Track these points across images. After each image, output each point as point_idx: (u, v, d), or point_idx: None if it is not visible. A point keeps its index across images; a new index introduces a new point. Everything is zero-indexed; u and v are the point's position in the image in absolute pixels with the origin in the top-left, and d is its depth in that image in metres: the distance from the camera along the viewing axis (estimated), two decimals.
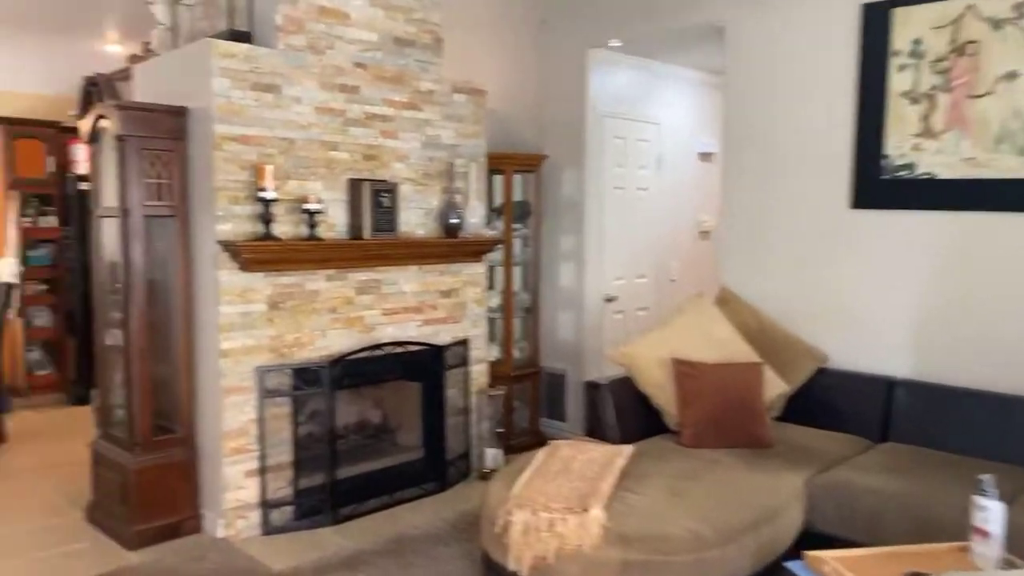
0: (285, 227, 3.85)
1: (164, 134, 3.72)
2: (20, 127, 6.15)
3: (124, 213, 3.65)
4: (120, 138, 3.61)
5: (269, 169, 3.68)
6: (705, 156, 6.16)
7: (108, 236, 3.90)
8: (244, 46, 3.70)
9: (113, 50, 6.05)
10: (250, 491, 3.80)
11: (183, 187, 3.80)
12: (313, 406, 4.02)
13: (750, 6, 4.39)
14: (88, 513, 4.03)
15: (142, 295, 3.72)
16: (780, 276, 4.34)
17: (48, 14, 5.43)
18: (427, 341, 4.41)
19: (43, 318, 6.45)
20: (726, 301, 4.33)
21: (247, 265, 3.69)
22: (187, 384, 3.87)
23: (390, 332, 4.30)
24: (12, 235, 6.12)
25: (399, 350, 4.26)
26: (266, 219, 3.69)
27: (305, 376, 3.89)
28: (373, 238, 4.08)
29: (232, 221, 3.69)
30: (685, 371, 3.79)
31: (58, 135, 6.32)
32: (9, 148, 6.15)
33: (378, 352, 4.17)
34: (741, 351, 3.96)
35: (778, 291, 4.32)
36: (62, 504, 4.23)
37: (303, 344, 3.96)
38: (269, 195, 3.67)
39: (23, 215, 6.23)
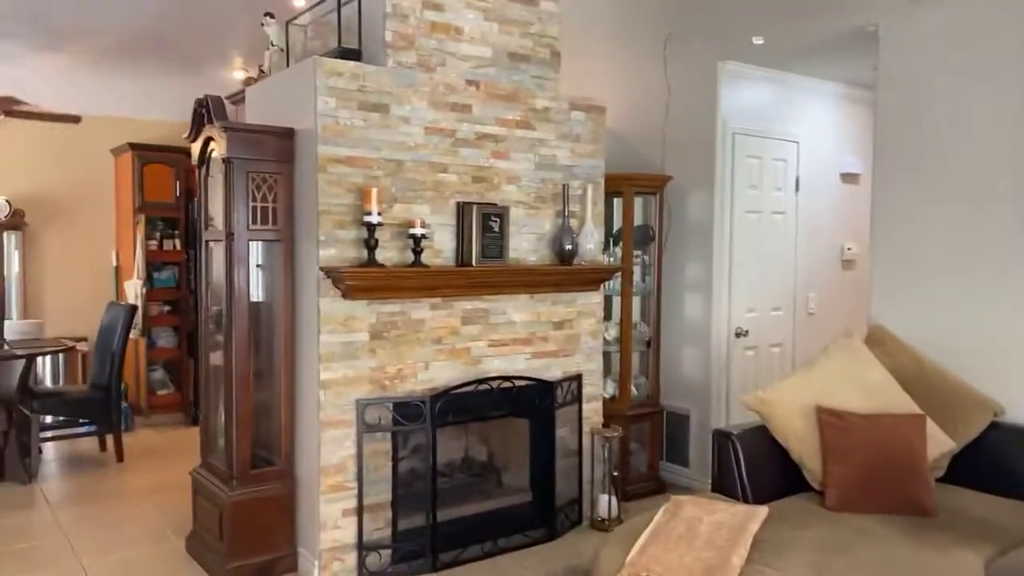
0: (390, 253, 3.65)
1: (271, 156, 3.61)
2: (149, 153, 6.36)
3: (229, 237, 3.55)
4: (227, 160, 3.52)
5: (374, 192, 3.49)
6: (849, 177, 5.57)
7: (215, 260, 3.83)
8: (351, 64, 3.55)
9: (239, 76, 6.16)
10: (347, 531, 3.58)
11: (288, 211, 3.67)
12: (414, 442, 3.78)
13: (907, 5, 3.86)
14: (188, 544, 3.94)
15: (245, 321, 3.61)
16: (943, 313, 3.75)
17: (177, 43, 5.57)
18: (537, 376, 4.09)
19: (166, 338, 6.61)
20: (879, 341, 3.78)
21: (350, 292, 3.50)
22: (287, 415, 3.72)
23: (497, 365, 4.01)
24: (139, 257, 6.31)
25: (507, 385, 3.96)
26: (370, 244, 3.50)
27: (407, 410, 3.66)
28: (481, 265, 3.82)
29: (336, 246, 3.52)
30: (832, 422, 3.29)
31: (184, 160, 6.48)
32: (139, 173, 6.37)
33: (484, 386, 3.89)
34: (898, 400, 3.41)
35: (941, 330, 3.73)
36: (166, 531, 4.17)
37: (405, 376, 3.73)
38: (374, 219, 3.48)
39: (150, 238, 6.42)
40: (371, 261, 3.51)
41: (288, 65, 4.09)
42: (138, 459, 5.51)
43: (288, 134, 3.64)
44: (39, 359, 5.81)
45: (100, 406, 5.27)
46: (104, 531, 4.17)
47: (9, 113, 5.23)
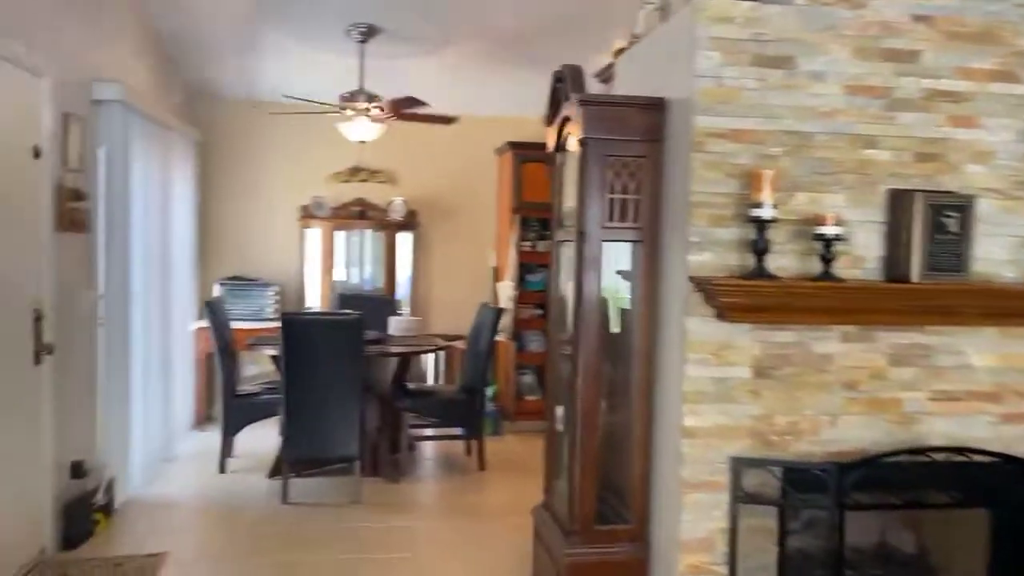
0: (785, 260, 2.66)
1: (635, 135, 2.87)
2: (527, 151, 6.13)
3: (580, 236, 2.89)
4: (582, 142, 2.86)
5: (768, 176, 2.54)
6: None
7: (565, 264, 3.22)
8: (745, 4, 2.63)
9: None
10: None
11: (654, 204, 2.90)
12: (807, 516, 2.74)
13: None
14: None
15: (593, 341, 2.92)
16: None
17: (555, 38, 5.18)
18: (1009, 451, 2.73)
19: (536, 343, 6.35)
20: None
21: (726, 312, 2.60)
22: (641, 463, 2.95)
23: (943, 428, 2.76)
24: (512, 259, 6.13)
25: (958, 459, 2.69)
26: (759, 248, 2.56)
27: (802, 478, 2.63)
28: (926, 281, 2.62)
29: (711, 249, 2.65)
30: None
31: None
32: (517, 172, 6.19)
33: (921, 457, 2.67)
34: None
35: None
36: (509, 565, 3.71)
37: (801, 431, 2.71)
38: (766, 213, 2.54)
39: (524, 239, 6.21)
40: (759, 270, 2.57)
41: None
42: (499, 469, 5.25)
43: (658, 106, 2.86)
44: (422, 356, 5.92)
45: (466, 409, 5.11)
46: (449, 551, 3.86)
47: (400, 116, 5.32)
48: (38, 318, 3.37)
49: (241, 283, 6.11)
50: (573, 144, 3.02)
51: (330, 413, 4.40)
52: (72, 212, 3.73)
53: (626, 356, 3.03)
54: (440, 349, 5.23)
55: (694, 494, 2.69)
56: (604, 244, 2.88)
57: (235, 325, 5.80)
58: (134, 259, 4.45)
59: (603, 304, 2.94)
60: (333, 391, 4.39)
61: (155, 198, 4.90)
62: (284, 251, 6.45)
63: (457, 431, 5.27)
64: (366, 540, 3.96)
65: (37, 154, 3.35)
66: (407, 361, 5.16)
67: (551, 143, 3.32)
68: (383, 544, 3.91)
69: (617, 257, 2.99)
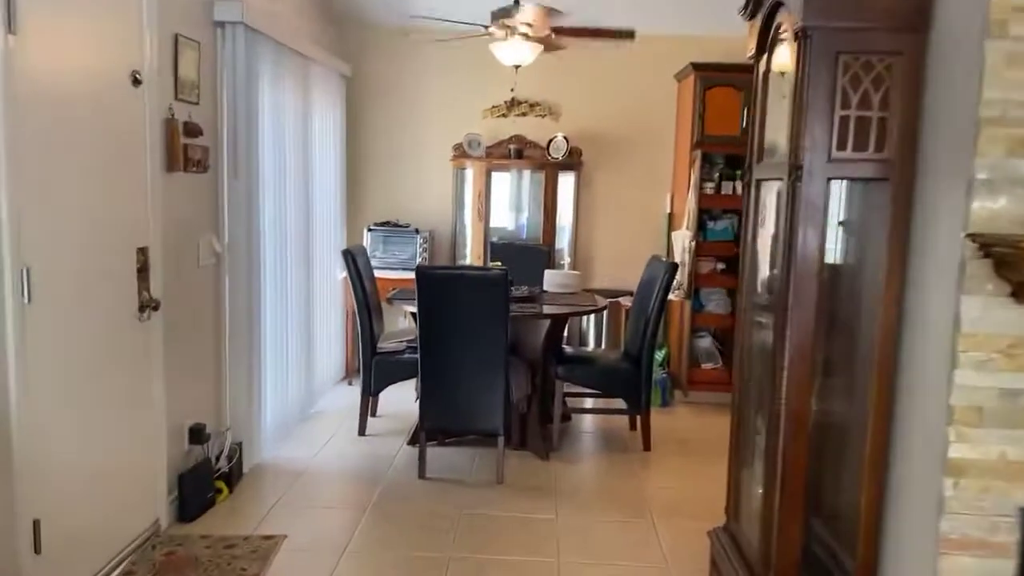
0: None
1: (882, 21, 1.94)
2: (713, 74, 5.14)
3: (795, 172, 2.02)
4: (802, 34, 1.97)
5: None
6: None
7: (769, 210, 2.35)
8: None
9: None
10: None
11: (908, 126, 1.96)
12: None
13: None
14: None
15: (809, 318, 2.06)
16: None
17: None
18: None
19: (716, 302, 5.45)
20: None
21: None
22: (871, 494, 2.09)
23: None
24: (691, 203, 5.21)
25: None
26: None
27: None
28: None
29: (1008, 192, 1.71)
30: None
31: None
32: (700, 100, 5.22)
33: None
34: None
35: None
36: None
37: None
38: None
39: (706, 180, 5.26)
40: None
41: None
42: (666, 450, 4.49)
43: None
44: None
45: (628, 380, 4.37)
46: (597, 560, 3.19)
47: (558, 32, 4.52)
48: (142, 268, 3.00)
49: (390, 230, 5.66)
50: (786, 42, 2.12)
51: (471, 381, 3.83)
52: (187, 149, 3.32)
53: (846, 342, 2.16)
54: (601, 310, 4.49)
55: (958, 557, 1.82)
56: (831, 182, 2.00)
57: (383, 275, 5.41)
58: (265, 203, 4.05)
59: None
60: (475, 356, 3.80)
61: (294, 136, 4.48)
62: (436, 195, 5.93)
63: (619, 404, 4.55)
64: (502, 534, 3.37)
65: (136, 81, 2.92)
66: (563, 322, 4.47)
67: (751, 45, 2.43)
68: (520, 541, 3.31)
69: (841, 201, 2.10)
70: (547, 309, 4.27)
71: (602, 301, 4.59)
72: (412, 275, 5.44)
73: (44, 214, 2.43)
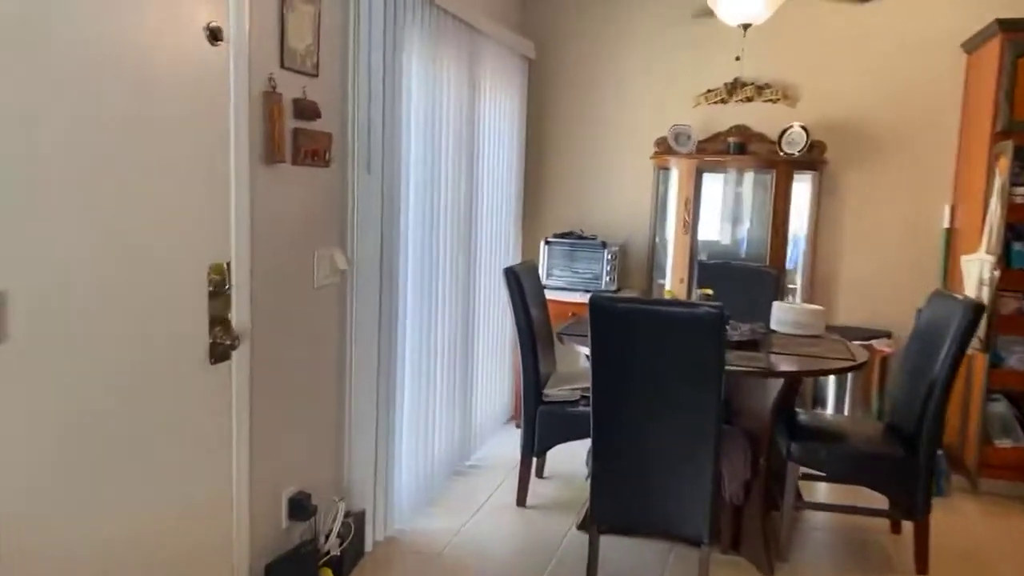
0: None
1: None
2: None
3: None
4: None
5: None
6: None
7: None
8: None
9: None
10: None
11: None
12: None
13: None
14: None
15: None
16: None
17: None
18: None
19: (1022, 356, 3.88)
20: None
21: None
22: None
23: None
24: (993, 216, 3.70)
25: None
26: None
27: None
28: None
29: None
30: None
31: None
32: (1008, 73, 3.70)
33: None
34: None
35: None
36: None
37: None
38: None
39: (1017, 183, 3.72)
40: None
41: None
42: (949, 570, 3.08)
43: None
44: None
45: (900, 471, 3.02)
46: None
47: None
48: (218, 291, 2.21)
49: (572, 242, 4.65)
50: None
51: (664, 462, 2.71)
52: (297, 135, 2.52)
53: None
54: (860, 367, 3.15)
55: None
56: None
57: (562, 297, 4.43)
58: (409, 207, 3.20)
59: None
60: (670, 426, 2.69)
61: (454, 127, 3.60)
62: (630, 200, 4.83)
63: (879, 498, 3.20)
64: None
65: (214, 37, 2.13)
66: (800, 381, 3.21)
67: None
68: None
69: None
70: (779, 363, 3.03)
71: (859, 352, 3.25)
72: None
73: (36, 215, 1.66)
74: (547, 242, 4.66)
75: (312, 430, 2.78)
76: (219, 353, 2.23)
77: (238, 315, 2.30)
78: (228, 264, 2.26)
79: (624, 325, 2.62)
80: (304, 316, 2.67)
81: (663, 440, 2.70)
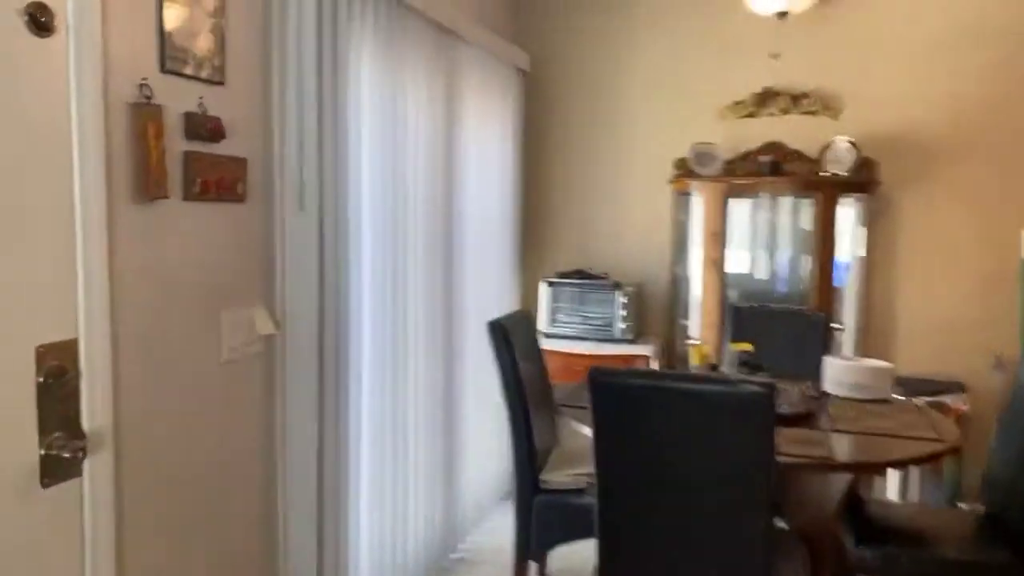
0: None
1: None
2: None
3: None
4: None
5: None
6: None
7: None
8: None
9: None
10: None
11: None
12: None
13: None
14: None
15: None
16: None
17: None
18: None
19: None
20: None
21: None
22: None
23: None
24: None
25: None
26: None
27: None
28: None
29: None
30: None
31: None
32: None
33: None
34: None
35: None
36: None
37: None
38: None
39: None
40: None
41: None
42: None
43: None
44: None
45: None
46: None
47: None
48: (56, 382, 1.55)
49: (578, 283, 3.96)
50: None
51: None
52: (190, 161, 1.88)
53: None
54: (954, 450, 2.39)
55: None
56: None
57: (567, 348, 3.75)
58: (364, 249, 2.54)
59: None
60: (702, 537, 1.98)
61: (425, 150, 2.96)
62: (645, 232, 4.16)
63: None
64: None
65: (40, 26, 1.50)
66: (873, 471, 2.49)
67: None
68: None
69: None
70: (845, 447, 2.30)
71: (945, 426, 2.51)
72: (608, 350, 3.75)
73: None
74: (549, 283, 3.98)
75: (226, 544, 2.10)
76: (59, 470, 1.57)
77: (93, 411, 1.64)
78: (73, 343, 1.61)
79: (638, 409, 1.93)
80: (207, 398, 2.01)
81: (692, 555, 1.99)
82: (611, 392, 1.93)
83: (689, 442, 1.91)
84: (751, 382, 1.86)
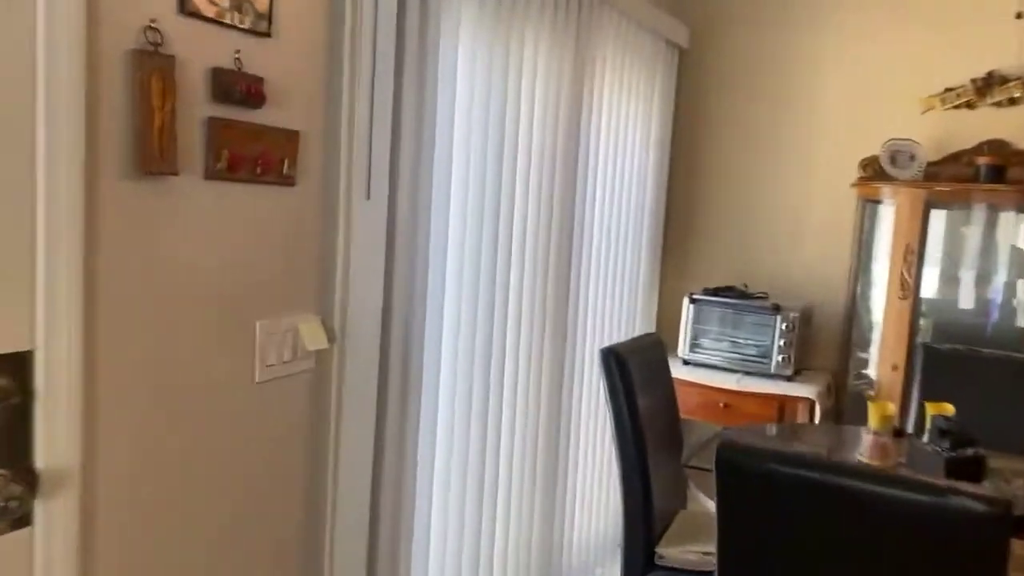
0: None
1: None
2: None
3: None
4: None
5: None
6: None
7: None
8: None
9: None
10: None
11: None
12: None
13: None
14: None
15: None
16: None
17: None
18: None
19: None
20: None
21: None
22: None
23: None
24: None
25: None
26: None
27: None
28: None
29: None
30: None
31: None
32: None
33: None
34: None
35: None
36: None
37: None
38: None
39: None
40: None
41: None
42: None
43: None
44: None
45: None
46: None
47: None
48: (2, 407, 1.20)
49: (730, 303, 3.31)
50: None
51: None
52: (217, 130, 1.48)
53: None
54: None
55: None
56: None
57: (711, 382, 3.14)
58: (450, 250, 2.08)
59: None
60: None
61: (539, 134, 2.45)
62: (817, 245, 3.43)
63: None
64: None
65: None
66: None
67: None
68: None
69: None
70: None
71: None
72: (758, 386, 3.11)
73: None
74: (693, 299, 3.35)
75: None
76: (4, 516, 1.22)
77: (52, 444, 1.28)
78: (24, 356, 1.24)
79: (785, 511, 1.32)
80: (232, 428, 1.61)
81: None
82: (746, 479, 1.34)
83: (864, 568, 1.28)
84: (970, 494, 1.20)
